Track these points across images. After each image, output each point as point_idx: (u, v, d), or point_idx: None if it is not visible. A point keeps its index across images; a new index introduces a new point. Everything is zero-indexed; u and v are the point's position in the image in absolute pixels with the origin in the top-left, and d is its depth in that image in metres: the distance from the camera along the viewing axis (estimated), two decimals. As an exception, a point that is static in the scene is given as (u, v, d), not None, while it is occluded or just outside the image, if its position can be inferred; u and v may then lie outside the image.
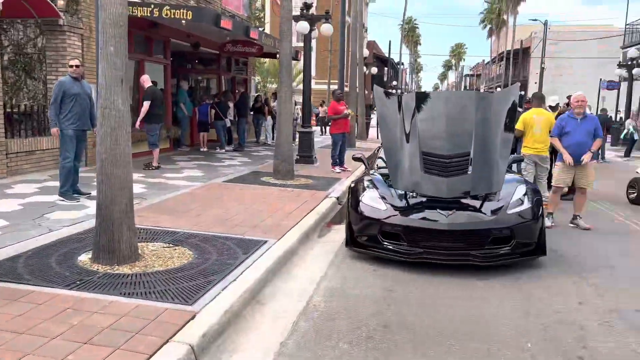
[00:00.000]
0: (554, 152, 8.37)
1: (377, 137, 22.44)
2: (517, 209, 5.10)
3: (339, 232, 6.53)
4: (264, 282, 4.52)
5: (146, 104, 9.77)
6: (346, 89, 21.61)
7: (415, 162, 5.27)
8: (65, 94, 6.80)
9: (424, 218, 5.02)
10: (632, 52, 21.07)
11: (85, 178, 8.07)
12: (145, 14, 9.93)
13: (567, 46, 45.08)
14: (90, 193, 7.16)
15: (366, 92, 26.90)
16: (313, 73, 24.66)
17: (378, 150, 8.04)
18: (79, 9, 9.52)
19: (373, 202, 5.31)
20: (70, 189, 6.98)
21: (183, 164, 11.33)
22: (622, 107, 25.43)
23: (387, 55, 46.88)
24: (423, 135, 5.38)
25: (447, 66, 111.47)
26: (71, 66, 6.98)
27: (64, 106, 6.82)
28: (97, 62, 6.06)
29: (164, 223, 5.98)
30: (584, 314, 4.03)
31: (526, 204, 5.16)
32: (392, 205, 5.22)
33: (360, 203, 5.38)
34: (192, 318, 3.52)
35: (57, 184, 7.24)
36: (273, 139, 16.66)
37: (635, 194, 8.78)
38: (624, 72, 22.44)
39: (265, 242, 5.43)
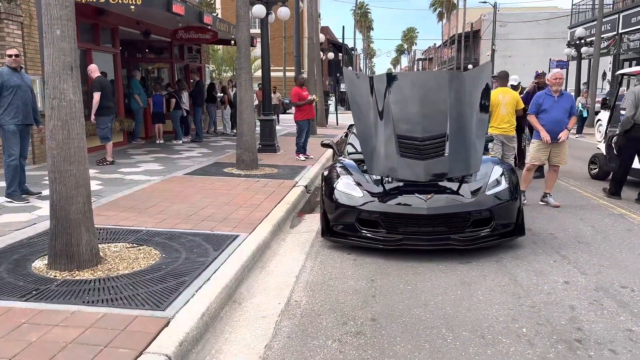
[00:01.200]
0: (518, 130, 8.39)
1: (337, 124, 22.28)
2: (496, 190, 4.99)
3: (311, 222, 6.30)
4: (239, 279, 4.24)
5: (97, 96, 9.19)
6: (303, 74, 21.28)
7: (390, 146, 5.08)
8: (4, 86, 6.23)
9: (402, 203, 4.84)
10: (580, 31, 21.65)
11: (33, 177, 7.53)
12: (91, -1, 9.32)
13: (515, 28, 46.16)
14: (40, 192, 6.65)
15: (322, 78, 26.62)
16: (268, 60, 24.20)
17: (347, 136, 7.83)
18: (16, -6, 8.81)
19: (348, 189, 5.10)
20: (17, 189, 6.45)
21: (139, 157, 10.80)
22: (570, 86, 26.18)
23: (340, 40, 46.60)
24: (397, 118, 5.18)
25: (400, 50, 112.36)
26: (9, 55, 6.39)
27: (3, 99, 6.25)
28: (40, 50, 5.56)
29: (125, 221, 5.59)
30: (571, 293, 3.95)
31: (504, 185, 5.07)
32: (369, 192, 5.01)
33: (335, 191, 5.16)
34: (166, 325, 3.21)
35: (2, 184, 6.68)
36: (232, 128, 16.22)
37: (597, 170, 8.93)
38: (572, 52, 23.04)
39: (237, 236, 5.14)
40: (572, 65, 25.06)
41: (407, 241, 4.75)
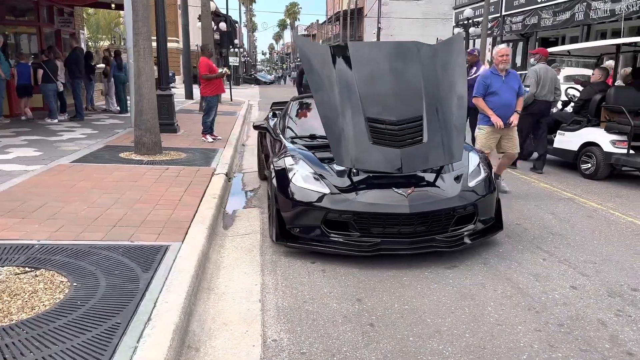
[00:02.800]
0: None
1: (231, 100, 20.87)
2: (477, 181, 4.36)
3: (247, 219, 5.31)
4: (188, 312, 3.18)
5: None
6: (194, 47, 19.48)
7: (360, 131, 4.22)
8: None
9: (380, 200, 4.01)
10: (468, 12, 22.32)
11: None
12: None
13: (396, 7, 47.35)
14: None
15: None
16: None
17: (275, 116, 6.84)
18: None
19: (309, 184, 4.17)
20: None
21: (6, 140, 8.83)
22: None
23: (223, 11, 44.21)
24: (365, 97, 4.32)
25: (282, 25, 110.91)
26: None
27: None
28: None
29: (5, 232, 4.16)
30: (587, 302, 3.45)
31: (483, 175, 4.47)
32: (336, 186, 4.13)
33: (292, 185, 4.20)
34: (108, 410, 2.12)
35: None
36: (117, 105, 14.27)
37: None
38: (461, 32, 23.76)
39: (167, 247, 4.00)
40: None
41: (385, 245, 3.97)
